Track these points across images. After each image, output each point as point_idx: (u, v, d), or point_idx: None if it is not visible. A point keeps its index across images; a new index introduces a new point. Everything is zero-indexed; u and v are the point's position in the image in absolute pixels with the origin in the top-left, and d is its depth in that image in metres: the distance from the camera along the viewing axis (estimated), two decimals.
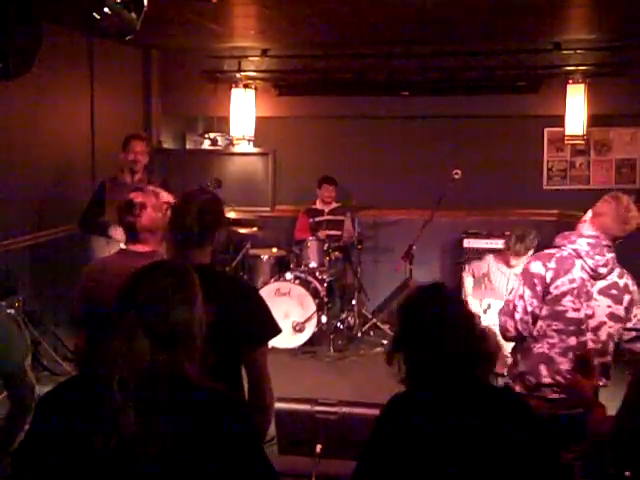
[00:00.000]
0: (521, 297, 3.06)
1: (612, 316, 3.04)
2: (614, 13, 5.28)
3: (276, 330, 2.46)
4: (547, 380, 3.00)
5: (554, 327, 3.02)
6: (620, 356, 3.15)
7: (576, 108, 6.50)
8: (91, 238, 4.85)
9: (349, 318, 6.68)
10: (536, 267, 3.07)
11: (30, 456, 1.63)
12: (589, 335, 3.02)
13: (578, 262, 3.03)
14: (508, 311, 3.09)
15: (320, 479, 2.73)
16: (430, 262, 7.06)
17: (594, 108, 6.55)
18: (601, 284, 3.05)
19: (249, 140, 7.10)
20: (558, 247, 3.12)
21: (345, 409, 3.02)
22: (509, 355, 3.35)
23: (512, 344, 3.24)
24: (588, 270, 3.01)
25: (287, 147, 7.34)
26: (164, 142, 7.66)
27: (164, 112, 7.49)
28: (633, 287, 3.10)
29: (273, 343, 2.50)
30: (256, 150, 7.42)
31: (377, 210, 6.97)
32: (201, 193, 2.62)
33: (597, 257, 3.00)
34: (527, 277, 3.08)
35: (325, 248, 6.50)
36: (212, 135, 7.92)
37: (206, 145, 8.11)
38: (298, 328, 6.12)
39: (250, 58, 6.97)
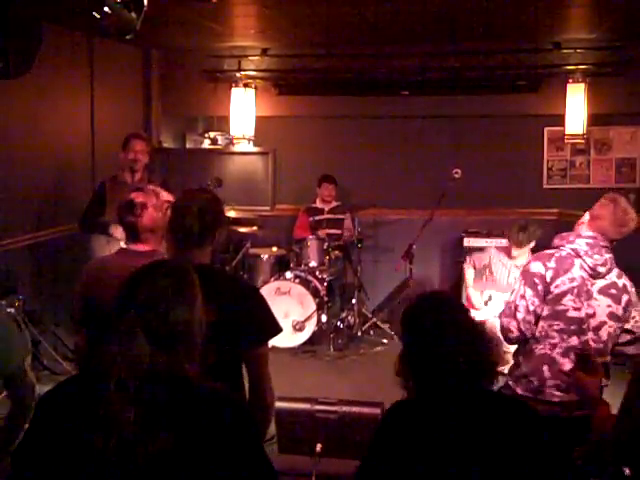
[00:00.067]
0: (522, 297, 3.06)
1: (612, 316, 3.05)
2: (614, 13, 5.28)
3: (277, 329, 2.47)
4: (551, 382, 3.00)
5: (555, 327, 3.02)
6: (614, 357, 3.16)
7: (576, 107, 6.50)
8: (91, 238, 4.85)
9: (349, 317, 6.68)
10: (536, 267, 3.08)
11: (30, 456, 1.63)
12: (590, 335, 3.03)
13: (577, 261, 3.04)
14: (510, 312, 3.09)
15: (320, 478, 2.73)
16: (430, 261, 7.07)
17: (594, 107, 6.55)
18: (601, 283, 3.06)
19: (249, 139, 7.11)
20: (556, 248, 3.14)
21: (345, 408, 3.02)
22: (507, 350, 3.36)
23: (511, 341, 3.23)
24: (587, 269, 3.03)
25: (287, 147, 7.34)
26: (164, 142, 7.67)
27: (164, 112, 7.49)
28: (631, 288, 3.12)
29: (273, 342, 2.50)
30: (256, 149, 7.42)
31: (377, 210, 6.98)
32: (201, 192, 2.62)
33: (596, 256, 3.02)
34: (527, 277, 3.09)
35: (325, 247, 6.50)
36: (212, 134, 7.92)
37: (206, 144, 8.12)
38: (298, 327, 6.12)
39: (250, 57, 6.98)
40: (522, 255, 5.06)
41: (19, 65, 3.36)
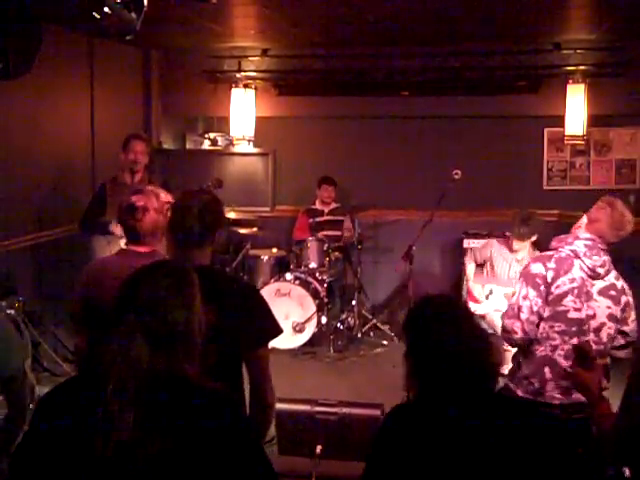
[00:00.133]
0: (525, 297, 3.05)
1: (611, 317, 3.06)
2: (614, 13, 5.28)
3: (277, 330, 2.47)
4: (552, 384, 3.00)
5: (556, 328, 3.02)
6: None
7: (576, 108, 6.50)
8: (92, 238, 4.85)
9: (349, 319, 6.68)
10: (537, 268, 3.09)
11: (29, 458, 1.63)
12: (591, 336, 3.03)
13: (577, 262, 3.05)
14: (513, 313, 3.08)
15: None
16: (430, 262, 7.06)
17: (594, 108, 6.54)
18: (600, 285, 3.07)
19: (249, 140, 7.10)
20: (555, 249, 3.14)
21: (345, 410, 3.02)
22: (506, 348, 3.35)
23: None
24: (586, 270, 3.04)
25: (287, 147, 7.34)
26: (164, 142, 7.66)
27: (164, 112, 7.48)
28: (629, 290, 3.13)
29: (273, 344, 2.50)
30: (256, 150, 7.42)
31: (377, 210, 6.98)
32: (201, 193, 2.62)
33: (594, 257, 3.03)
34: (529, 278, 3.08)
35: (325, 248, 6.49)
36: (212, 135, 7.92)
37: (206, 145, 8.11)
38: (298, 329, 6.11)
39: (250, 58, 6.98)
40: (523, 249, 5.06)
41: (19, 65, 3.35)
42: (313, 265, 6.49)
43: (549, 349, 3.02)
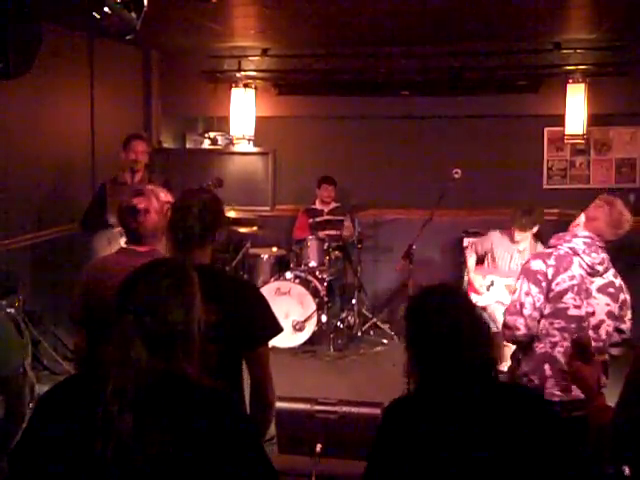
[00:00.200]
0: (527, 294, 3.06)
1: (610, 314, 3.08)
2: (614, 13, 5.28)
3: (278, 329, 2.47)
4: (551, 381, 3.00)
5: (556, 325, 3.03)
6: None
7: (576, 107, 6.50)
8: (92, 238, 4.85)
9: (349, 317, 6.68)
10: (537, 264, 3.09)
11: (28, 456, 1.63)
12: (590, 333, 3.03)
13: (576, 259, 3.06)
14: (515, 310, 3.08)
15: (320, 478, 2.73)
16: (430, 261, 7.06)
17: (594, 107, 6.55)
18: (599, 282, 3.08)
19: (249, 140, 7.11)
20: (554, 247, 3.15)
21: (345, 408, 3.02)
22: (506, 345, 3.36)
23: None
24: (585, 267, 3.05)
25: (287, 147, 7.34)
26: (164, 142, 7.67)
27: (164, 112, 7.48)
28: (626, 288, 3.15)
29: (273, 342, 2.50)
30: (256, 150, 7.42)
31: (377, 209, 6.98)
32: (201, 193, 2.62)
33: (593, 255, 3.05)
34: (530, 274, 3.09)
35: (325, 247, 6.50)
36: (212, 135, 7.93)
37: (206, 145, 8.12)
38: (298, 327, 6.12)
39: (250, 58, 6.97)
40: (525, 239, 5.06)
41: (19, 65, 3.35)
42: (313, 264, 6.49)
43: (549, 346, 3.03)
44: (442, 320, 1.87)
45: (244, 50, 6.91)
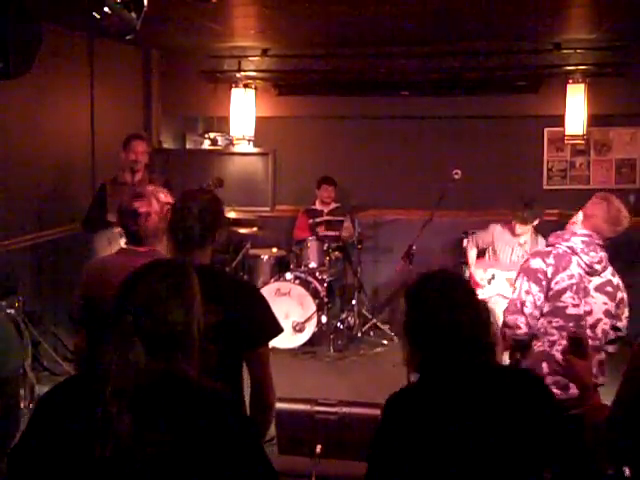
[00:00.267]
0: (528, 292, 3.06)
1: (607, 313, 3.09)
2: (614, 13, 5.28)
3: (278, 329, 2.47)
4: (549, 379, 3.00)
5: (554, 324, 3.04)
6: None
7: (576, 108, 6.50)
8: (93, 238, 4.86)
9: (349, 318, 6.68)
10: (537, 263, 3.10)
11: (28, 456, 1.63)
12: (588, 332, 3.04)
13: (574, 259, 3.07)
14: (516, 309, 3.08)
15: (320, 479, 2.73)
16: (430, 262, 7.04)
17: (594, 108, 6.54)
18: (597, 281, 3.09)
19: (249, 140, 7.10)
20: (552, 246, 3.15)
21: (345, 409, 3.02)
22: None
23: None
24: (584, 266, 3.06)
25: (287, 147, 7.34)
26: (164, 142, 7.66)
27: (164, 112, 7.48)
28: (623, 286, 3.15)
29: (273, 343, 2.50)
30: (256, 150, 7.42)
31: (377, 210, 6.97)
32: (201, 193, 2.62)
33: (592, 254, 3.05)
34: (530, 273, 3.09)
35: (325, 248, 6.50)
36: (212, 135, 7.92)
37: (206, 145, 8.11)
38: (298, 328, 6.12)
39: (250, 58, 6.97)
40: (526, 232, 5.05)
41: (19, 65, 3.35)
42: (313, 265, 6.49)
43: (547, 344, 3.03)
44: (442, 305, 1.85)
45: (244, 50, 6.91)
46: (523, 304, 3.05)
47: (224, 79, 7.04)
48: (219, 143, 7.91)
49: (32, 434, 1.66)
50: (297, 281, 6.27)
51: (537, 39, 6.42)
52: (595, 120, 6.63)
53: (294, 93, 7.17)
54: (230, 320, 2.16)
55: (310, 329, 6.15)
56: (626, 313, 3.15)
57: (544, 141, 7.04)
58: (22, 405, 4.10)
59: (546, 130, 7.00)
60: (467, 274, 5.68)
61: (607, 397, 2.24)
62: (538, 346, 3.06)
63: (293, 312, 6.11)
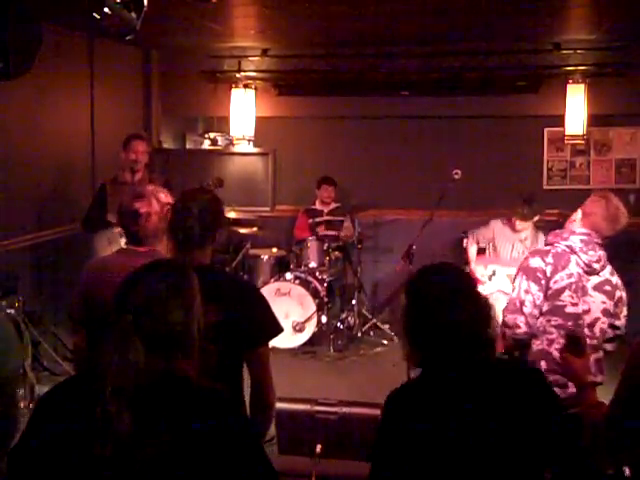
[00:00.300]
0: (527, 292, 3.06)
1: (605, 312, 3.09)
2: (614, 13, 5.28)
3: (278, 329, 2.47)
4: (548, 378, 3.00)
5: (553, 322, 3.04)
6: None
7: (576, 108, 6.50)
8: (93, 238, 4.86)
9: (349, 318, 6.68)
10: (536, 262, 3.10)
11: (28, 456, 1.63)
12: (585, 331, 3.04)
13: (573, 257, 3.07)
14: (515, 308, 3.08)
15: (320, 479, 2.73)
16: (430, 262, 7.04)
17: (594, 108, 6.55)
18: (595, 280, 3.09)
19: (249, 140, 7.10)
20: (551, 244, 3.15)
21: (345, 409, 3.02)
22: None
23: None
24: (582, 266, 3.06)
25: (287, 147, 7.34)
26: (164, 142, 7.67)
27: (164, 112, 7.48)
28: (622, 285, 3.15)
29: (273, 343, 2.50)
30: (256, 150, 7.42)
31: (377, 210, 6.98)
32: (201, 193, 2.62)
33: (590, 252, 3.05)
34: (529, 272, 3.09)
35: (325, 248, 6.50)
36: (212, 135, 7.93)
37: (206, 145, 8.12)
38: (298, 328, 6.12)
39: (250, 58, 6.98)
40: (527, 229, 5.05)
41: (19, 65, 3.35)
42: (313, 264, 6.49)
43: (545, 343, 3.03)
44: (442, 304, 1.85)
45: (244, 50, 6.91)
46: (522, 303, 3.05)
47: (224, 79, 7.04)
48: (219, 143, 7.91)
49: (32, 434, 1.66)
50: (297, 281, 6.27)
51: (537, 39, 6.42)
52: (595, 120, 6.64)
53: (294, 93, 7.17)
54: (230, 320, 2.16)
55: (310, 329, 6.15)
56: (625, 312, 3.15)
57: (544, 141, 7.04)
58: (22, 405, 4.11)
59: (546, 130, 7.00)
60: (467, 271, 5.68)
61: (605, 396, 2.24)
62: (537, 345, 3.06)
63: (293, 312, 6.11)
